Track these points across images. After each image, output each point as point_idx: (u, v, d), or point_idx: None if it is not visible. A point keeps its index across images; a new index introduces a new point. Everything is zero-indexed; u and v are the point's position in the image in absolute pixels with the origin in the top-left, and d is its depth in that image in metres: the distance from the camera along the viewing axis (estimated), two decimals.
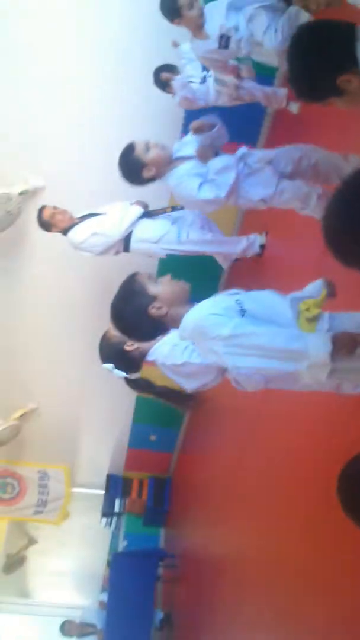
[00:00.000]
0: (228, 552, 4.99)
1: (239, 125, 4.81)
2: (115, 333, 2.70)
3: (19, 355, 6.41)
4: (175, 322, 1.95)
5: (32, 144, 4.88)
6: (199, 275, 5.63)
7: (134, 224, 4.09)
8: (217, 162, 3.17)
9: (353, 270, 1.39)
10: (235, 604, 4.51)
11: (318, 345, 1.75)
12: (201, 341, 1.93)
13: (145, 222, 4.14)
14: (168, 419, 7.47)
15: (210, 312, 1.88)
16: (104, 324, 6.67)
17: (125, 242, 4.17)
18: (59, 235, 5.30)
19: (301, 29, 1.82)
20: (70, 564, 10.09)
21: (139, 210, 4.18)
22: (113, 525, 8.40)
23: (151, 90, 4.57)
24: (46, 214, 4.36)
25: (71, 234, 4.32)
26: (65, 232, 4.39)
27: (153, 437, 7.68)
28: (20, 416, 6.86)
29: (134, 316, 1.99)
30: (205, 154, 3.18)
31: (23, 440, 7.27)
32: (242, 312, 1.85)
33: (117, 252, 4.29)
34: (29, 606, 9.77)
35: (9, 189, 4.91)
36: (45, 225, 4.41)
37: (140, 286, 2.00)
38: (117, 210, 4.19)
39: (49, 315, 6.07)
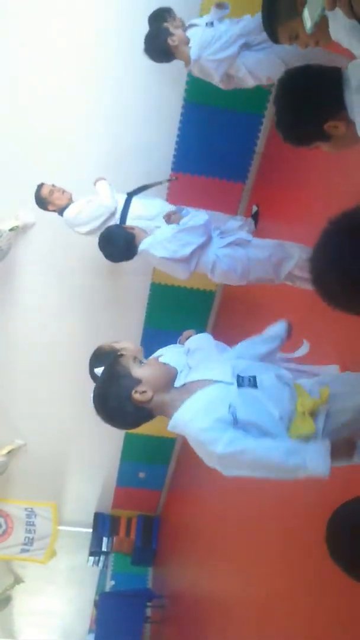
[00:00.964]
0: (217, 593, 4.91)
1: (228, 162, 4.93)
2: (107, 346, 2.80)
3: (7, 392, 6.37)
4: (160, 409, 1.84)
5: (23, 179, 4.92)
6: (190, 306, 5.71)
7: (125, 206, 4.21)
8: (187, 217, 3.38)
9: (339, 311, 1.40)
10: None
11: (316, 460, 1.68)
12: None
13: (141, 199, 4.23)
14: (157, 456, 7.41)
15: (202, 427, 1.74)
16: None
17: (121, 220, 4.19)
18: (48, 270, 5.35)
19: (288, 73, 1.83)
20: (57, 603, 9.87)
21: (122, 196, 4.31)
22: (101, 564, 8.26)
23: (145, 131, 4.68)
24: (45, 190, 4.34)
25: (66, 213, 4.34)
26: (61, 211, 4.39)
27: (142, 475, 7.59)
28: (8, 452, 6.80)
29: (117, 400, 1.83)
30: (175, 219, 3.43)
31: (10, 477, 7.18)
32: (235, 422, 1.73)
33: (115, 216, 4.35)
34: None
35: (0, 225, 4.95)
36: (43, 202, 4.38)
37: (124, 369, 1.87)
38: (106, 189, 4.27)
39: (38, 352, 6.05)
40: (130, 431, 6.97)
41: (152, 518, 8.16)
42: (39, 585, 9.22)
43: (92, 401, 1.92)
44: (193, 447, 1.82)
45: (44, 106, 4.63)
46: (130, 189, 4.57)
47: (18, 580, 9.15)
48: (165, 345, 2.74)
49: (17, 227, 5.04)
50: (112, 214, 4.24)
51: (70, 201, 4.35)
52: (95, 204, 4.25)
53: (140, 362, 1.93)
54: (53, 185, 4.35)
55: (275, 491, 3.64)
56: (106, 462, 7.45)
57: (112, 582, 8.00)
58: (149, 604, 7.29)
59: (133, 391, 1.80)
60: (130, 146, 4.81)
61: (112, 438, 7.04)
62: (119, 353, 2.01)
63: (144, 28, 4.11)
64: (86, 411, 6.94)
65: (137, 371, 1.86)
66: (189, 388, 1.84)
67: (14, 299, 5.63)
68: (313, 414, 1.72)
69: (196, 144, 4.76)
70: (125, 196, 4.34)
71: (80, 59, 4.45)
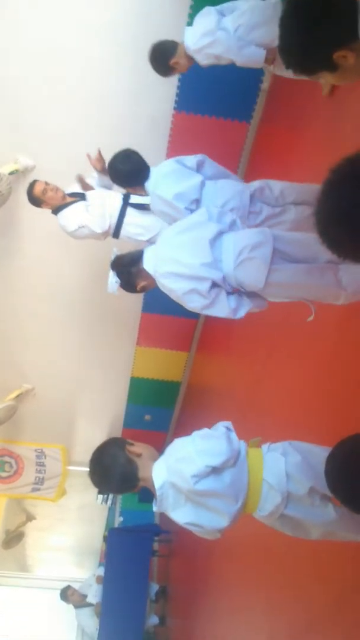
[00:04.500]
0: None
1: (232, 101, 4.77)
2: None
3: (14, 337, 6.43)
4: (146, 481, 2.09)
5: (22, 123, 4.82)
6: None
7: (120, 216, 4.09)
8: None
9: (347, 260, 1.39)
10: (227, 577, 4.62)
11: None
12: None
13: (137, 214, 4.12)
14: (162, 399, 7.52)
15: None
16: (100, 306, 6.69)
17: (115, 231, 4.16)
18: (52, 216, 5.30)
19: None
20: (68, 539, 10.24)
21: (118, 200, 4.16)
22: (109, 502, 8.53)
23: (143, 69, 4.53)
24: (37, 189, 4.26)
25: (60, 218, 4.29)
26: (55, 211, 4.34)
27: (148, 417, 7.74)
28: (16, 397, 6.92)
29: (111, 456, 2.13)
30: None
31: (20, 420, 7.33)
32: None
33: (106, 237, 4.29)
34: (28, 579, 9.96)
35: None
36: (36, 201, 4.34)
37: (121, 440, 2.22)
38: (97, 206, 4.16)
39: (44, 297, 6.06)
40: (135, 375, 7.08)
41: None
42: (50, 522, 9.54)
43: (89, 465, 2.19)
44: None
45: (41, 47, 4.47)
46: (135, 133, 4.47)
47: (30, 517, 9.47)
48: None
49: (17, 170, 4.96)
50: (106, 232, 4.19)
51: (64, 200, 4.26)
52: (86, 231, 4.17)
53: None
54: (46, 183, 4.23)
55: (282, 425, 3.70)
56: (113, 405, 7.58)
57: (121, 519, 8.28)
58: (156, 538, 7.56)
59: (127, 444, 2.14)
60: (130, 84, 4.66)
61: (118, 382, 7.15)
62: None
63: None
64: (92, 355, 7.04)
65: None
66: None
67: (17, 245, 5.59)
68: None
69: (199, 82, 4.59)
70: (120, 197, 4.18)
71: (76, 22, 4.34)
